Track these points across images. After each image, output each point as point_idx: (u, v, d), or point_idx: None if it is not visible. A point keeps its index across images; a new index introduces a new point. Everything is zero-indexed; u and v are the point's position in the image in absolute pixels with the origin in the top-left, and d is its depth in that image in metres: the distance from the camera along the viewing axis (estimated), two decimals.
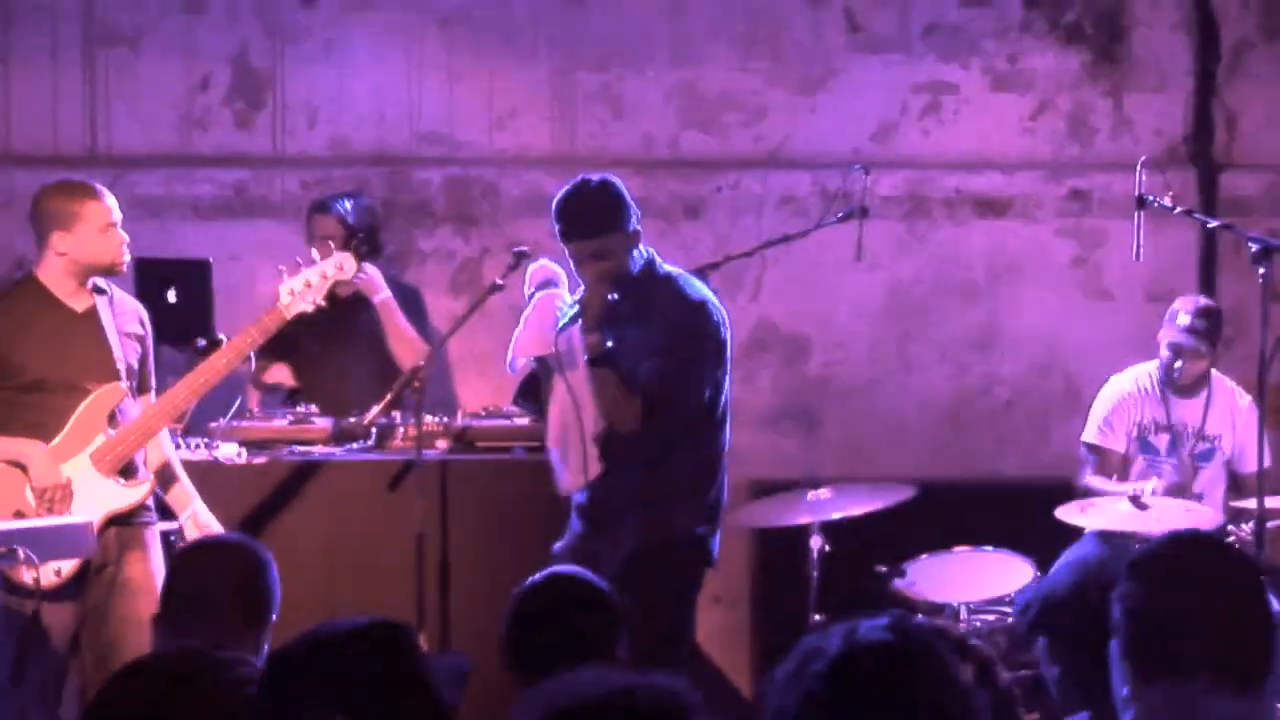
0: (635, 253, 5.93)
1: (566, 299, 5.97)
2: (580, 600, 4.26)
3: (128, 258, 5.93)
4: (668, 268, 6.02)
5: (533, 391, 6.13)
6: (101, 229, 5.84)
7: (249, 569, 4.29)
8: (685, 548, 5.98)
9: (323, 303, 6.13)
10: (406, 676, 2.83)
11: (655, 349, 5.86)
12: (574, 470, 5.95)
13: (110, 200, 5.89)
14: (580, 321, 5.89)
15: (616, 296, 5.85)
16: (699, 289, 6.02)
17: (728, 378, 6.09)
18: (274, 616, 4.26)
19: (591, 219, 5.86)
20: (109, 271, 5.91)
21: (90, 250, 5.84)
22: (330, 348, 7.23)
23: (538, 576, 4.39)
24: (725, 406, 6.10)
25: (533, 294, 6.03)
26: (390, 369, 6.96)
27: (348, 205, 7.38)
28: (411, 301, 7.43)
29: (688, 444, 5.99)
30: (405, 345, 7.13)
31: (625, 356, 5.89)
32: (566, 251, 5.96)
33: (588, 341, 5.85)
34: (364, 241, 7.37)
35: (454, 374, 7.89)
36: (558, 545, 6.09)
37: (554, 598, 4.25)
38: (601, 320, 5.87)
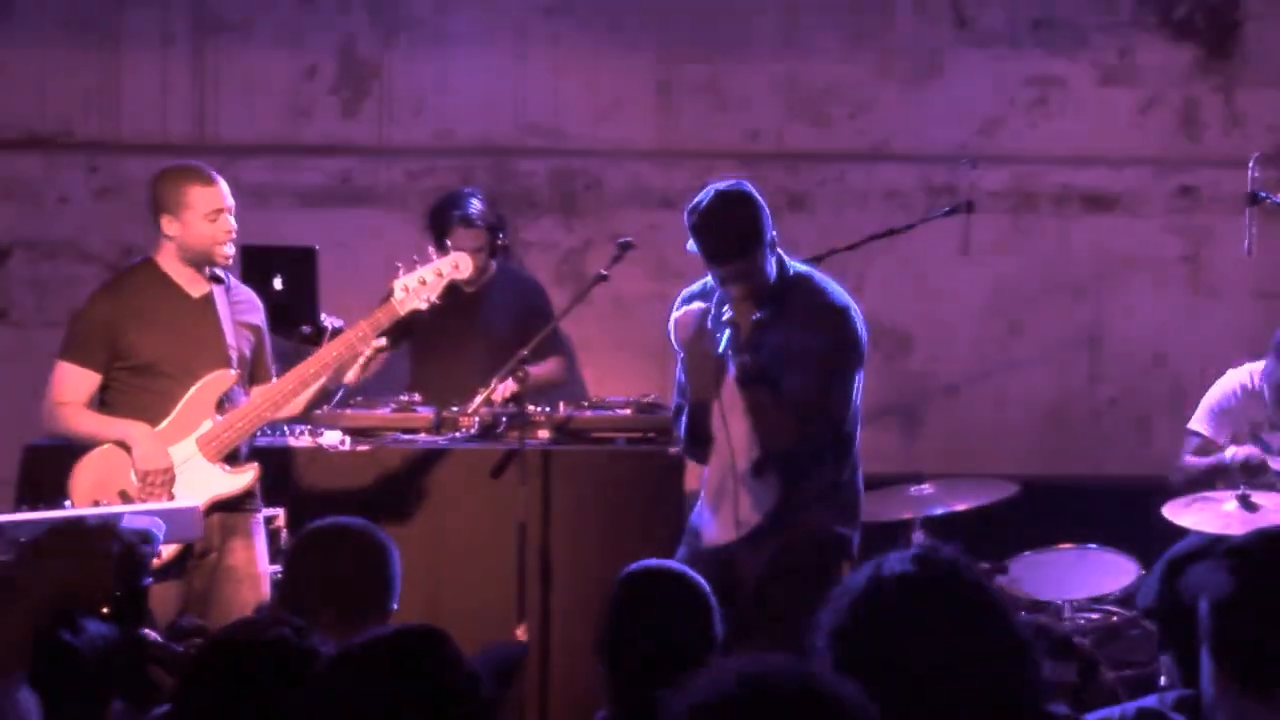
0: (772, 259, 5.66)
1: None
2: (673, 599, 4.23)
3: (230, 248, 5.95)
4: (797, 266, 5.76)
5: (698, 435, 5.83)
6: (207, 215, 5.88)
7: (372, 555, 4.27)
8: (828, 547, 5.74)
9: (437, 301, 6.13)
10: (432, 687, 2.85)
11: (801, 358, 5.60)
12: (724, 522, 5.70)
13: (218, 186, 5.91)
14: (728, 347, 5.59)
15: (763, 315, 5.59)
16: (838, 291, 5.75)
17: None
18: (394, 605, 4.24)
19: (738, 241, 5.54)
20: (209, 259, 5.95)
21: (194, 236, 5.89)
22: (446, 337, 7.25)
23: (630, 570, 4.34)
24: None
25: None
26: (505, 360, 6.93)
27: (478, 206, 7.36)
28: (537, 300, 7.46)
29: (831, 448, 5.75)
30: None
31: (769, 366, 5.62)
32: (708, 268, 5.63)
33: (739, 362, 5.57)
34: (504, 239, 7.42)
35: None
36: (682, 551, 5.80)
37: (647, 596, 4.22)
38: (751, 340, 5.61)
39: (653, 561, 4.48)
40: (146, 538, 3.92)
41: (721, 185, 5.62)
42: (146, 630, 3.72)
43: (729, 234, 5.53)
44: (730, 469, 5.64)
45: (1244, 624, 3.04)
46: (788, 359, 5.60)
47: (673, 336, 5.64)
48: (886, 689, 2.57)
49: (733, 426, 5.61)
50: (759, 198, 5.61)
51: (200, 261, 5.94)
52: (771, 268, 5.64)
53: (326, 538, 4.41)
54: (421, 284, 6.09)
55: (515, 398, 6.65)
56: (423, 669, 2.85)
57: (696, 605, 4.24)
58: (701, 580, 4.30)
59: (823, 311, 5.66)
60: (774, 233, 5.63)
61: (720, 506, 5.70)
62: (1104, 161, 8.18)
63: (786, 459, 5.66)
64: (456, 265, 6.17)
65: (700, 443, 5.75)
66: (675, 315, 5.65)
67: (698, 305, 5.61)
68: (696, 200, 5.59)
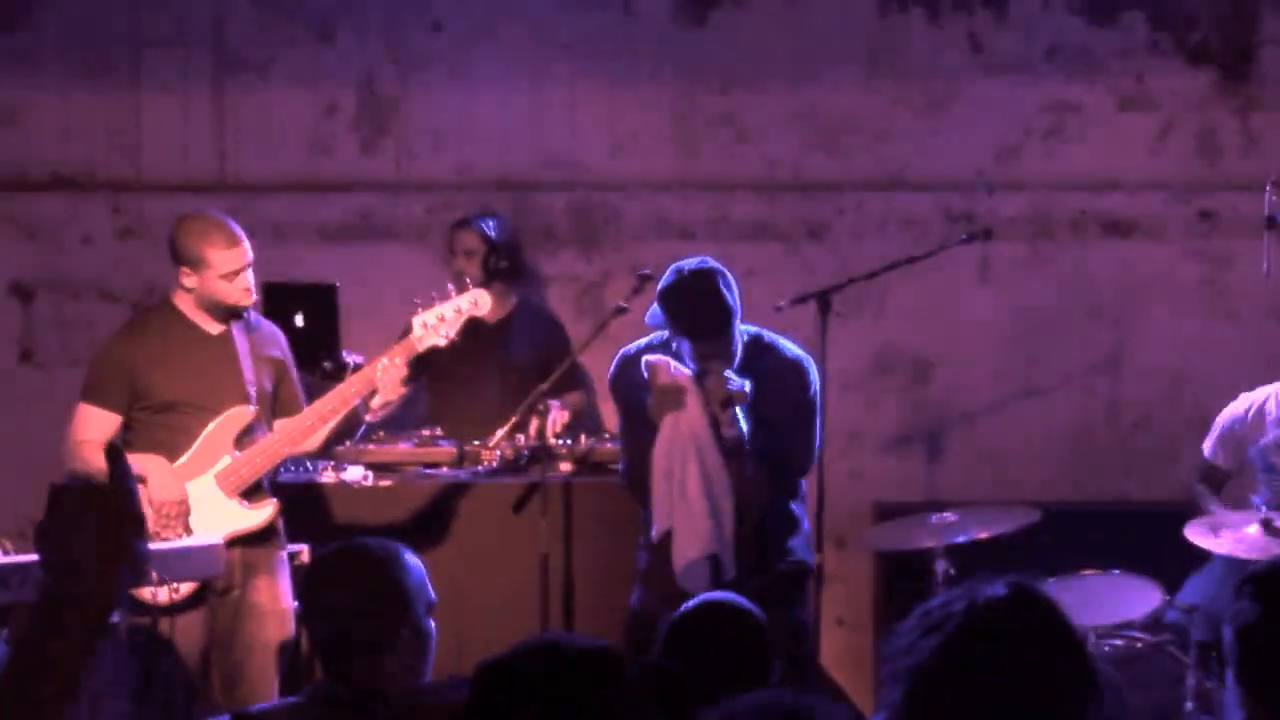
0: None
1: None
2: (738, 626, 4.26)
3: (250, 300, 5.99)
4: (748, 327, 5.93)
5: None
6: (226, 276, 5.91)
7: (373, 571, 4.23)
8: (803, 579, 6.05)
9: (455, 338, 6.16)
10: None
11: (771, 417, 5.83)
12: (691, 545, 5.80)
13: (238, 248, 5.92)
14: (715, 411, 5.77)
15: (749, 387, 5.75)
16: (790, 346, 5.99)
17: None
18: (423, 599, 4.14)
19: (714, 322, 5.73)
20: (232, 312, 5.99)
21: (213, 293, 5.94)
22: (466, 370, 7.27)
23: (691, 604, 4.40)
24: None
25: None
26: (523, 393, 6.93)
27: (490, 223, 7.49)
28: (556, 334, 7.50)
29: (797, 489, 6.04)
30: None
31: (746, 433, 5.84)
32: (683, 342, 5.80)
33: (733, 435, 5.75)
34: (504, 258, 7.43)
35: None
36: (636, 600, 5.99)
37: (712, 624, 4.25)
38: (735, 412, 5.78)
39: (710, 595, 4.52)
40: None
41: (692, 264, 5.78)
42: None
43: (713, 312, 5.71)
44: (697, 512, 5.75)
45: (1269, 649, 3.05)
46: (757, 419, 5.77)
47: (645, 373, 5.78)
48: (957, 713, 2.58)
49: (711, 476, 5.76)
50: (727, 274, 5.78)
51: (216, 313, 5.98)
52: (739, 337, 5.84)
53: (326, 567, 4.38)
54: (440, 320, 6.12)
55: (539, 431, 6.69)
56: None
57: (757, 637, 4.28)
58: (760, 613, 4.37)
59: (784, 369, 5.89)
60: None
61: (678, 553, 5.78)
62: (1122, 186, 8.18)
63: (763, 504, 5.88)
64: (475, 302, 6.19)
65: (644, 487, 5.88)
66: (650, 360, 5.79)
67: (667, 358, 5.79)
68: (672, 280, 5.75)
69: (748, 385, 5.75)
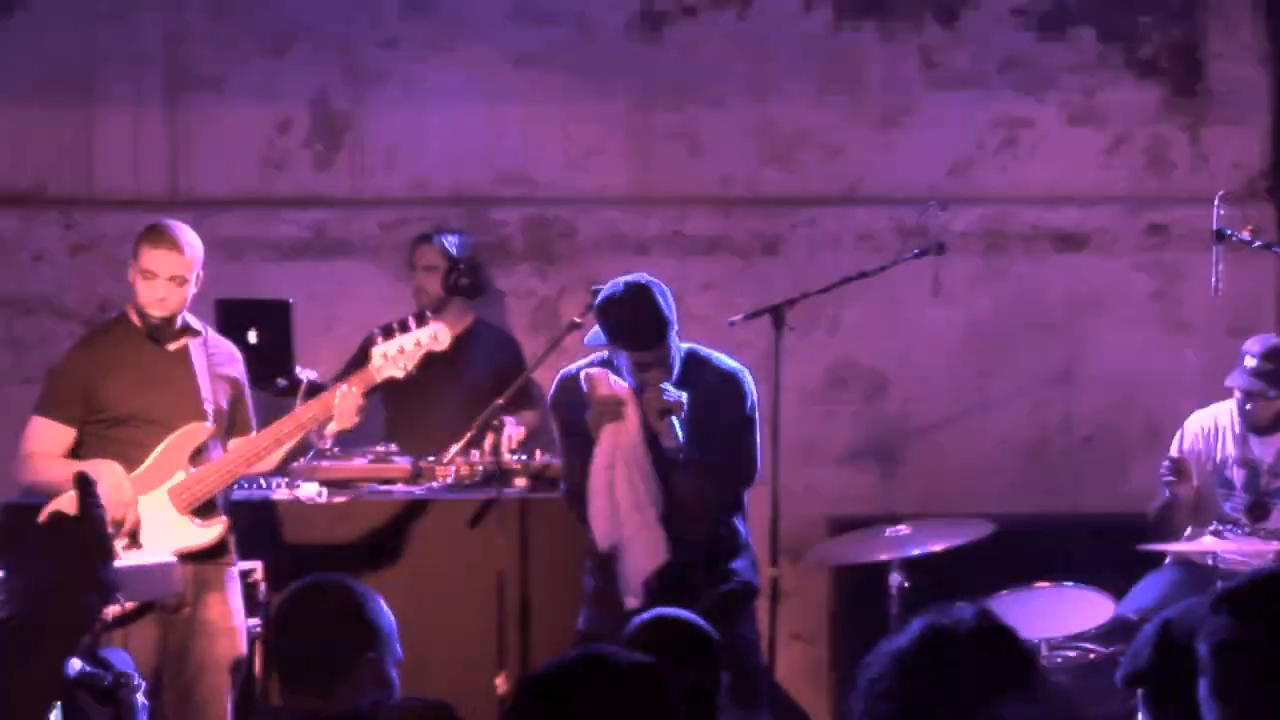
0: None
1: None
2: (688, 643, 4.28)
3: (159, 312, 5.96)
4: (684, 344, 5.96)
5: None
6: (141, 274, 5.95)
7: (347, 609, 4.23)
8: (748, 598, 6.05)
9: (413, 370, 6.16)
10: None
11: (711, 431, 5.87)
12: (648, 556, 5.85)
13: (159, 251, 5.92)
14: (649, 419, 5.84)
15: (686, 399, 5.81)
16: (725, 359, 6.03)
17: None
18: (392, 652, 4.14)
19: (650, 332, 5.78)
20: (142, 315, 6.00)
21: (136, 288, 5.97)
22: (424, 388, 7.24)
23: (643, 618, 4.41)
24: None
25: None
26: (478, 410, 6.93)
27: (451, 239, 7.51)
28: (512, 352, 7.51)
29: (741, 504, 6.05)
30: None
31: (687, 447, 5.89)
32: (621, 356, 5.85)
33: (664, 446, 5.82)
34: (465, 275, 7.45)
35: None
36: (584, 622, 6.02)
37: (661, 641, 4.26)
38: (673, 422, 5.85)
39: (662, 610, 4.53)
40: None
41: (627, 278, 5.85)
42: (72, 660, 3.69)
43: (648, 324, 5.77)
44: (650, 520, 5.81)
45: (1248, 666, 3.09)
46: (698, 432, 5.83)
47: (585, 388, 5.82)
48: None
49: (653, 488, 5.81)
50: (663, 287, 5.83)
51: (143, 318, 5.99)
52: (676, 350, 5.89)
53: (300, 602, 4.38)
54: (400, 352, 6.12)
55: (494, 446, 6.69)
56: None
57: (704, 653, 4.30)
58: (709, 629, 4.40)
59: (722, 382, 5.94)
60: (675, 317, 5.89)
61: (635, 566, 5.81)
62: (1073, 201, 8.23)
63: (706, 518, 5.91)
64: (435, 336, 6.19)
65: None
66: (590, 372, 5.85)
67: (606, 371, 5.84)
68: (607, 296, 5.83)
69: (684, 397, 5.80)
